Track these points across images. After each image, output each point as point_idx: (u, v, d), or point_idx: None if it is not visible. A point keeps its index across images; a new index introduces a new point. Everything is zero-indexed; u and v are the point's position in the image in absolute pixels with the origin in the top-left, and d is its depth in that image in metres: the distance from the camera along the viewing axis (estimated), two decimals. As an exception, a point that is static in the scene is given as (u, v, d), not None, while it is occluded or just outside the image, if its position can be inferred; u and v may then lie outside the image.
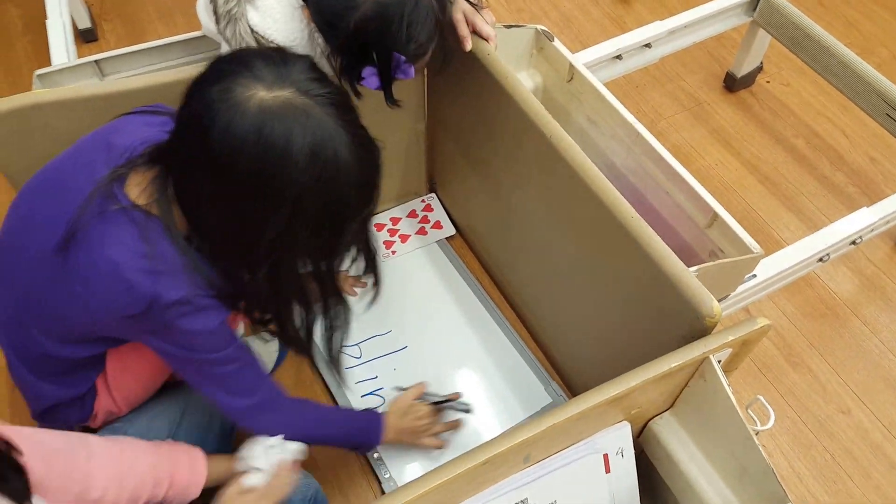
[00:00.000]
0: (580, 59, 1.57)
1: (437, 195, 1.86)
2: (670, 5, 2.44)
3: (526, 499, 1.00)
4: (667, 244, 1.06)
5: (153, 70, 1.47)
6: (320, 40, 1.18)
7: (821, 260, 1.50)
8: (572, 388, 1.54)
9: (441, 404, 1.42)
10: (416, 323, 1.63)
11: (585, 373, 1.46)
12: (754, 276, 1.39)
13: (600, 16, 2.41)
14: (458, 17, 1.25)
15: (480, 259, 1.77)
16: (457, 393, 1.47)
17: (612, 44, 1.74)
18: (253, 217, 0.86)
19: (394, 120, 1.48)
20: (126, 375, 1.14)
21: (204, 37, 1.41)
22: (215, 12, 1.17)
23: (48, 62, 1.60)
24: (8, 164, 1.25)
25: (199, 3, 1.27)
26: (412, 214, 1.82)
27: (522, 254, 1.53)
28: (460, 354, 1.58)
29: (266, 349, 1.53)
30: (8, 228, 1.04)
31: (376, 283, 1.10)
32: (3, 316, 1.06)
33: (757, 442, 0.99)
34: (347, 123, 0.85)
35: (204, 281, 0.92)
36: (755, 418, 1.05)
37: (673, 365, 0.98)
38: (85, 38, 2.24)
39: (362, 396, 1.51)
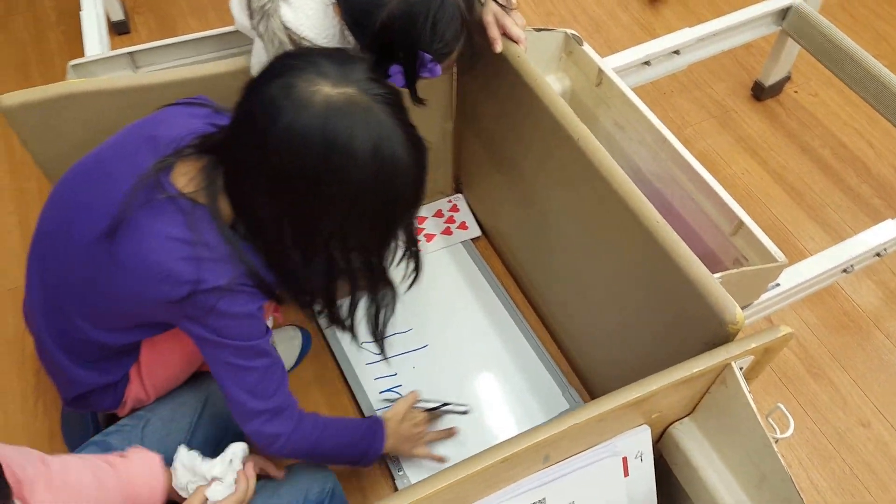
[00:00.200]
0: (609, 64, 1.57)
1: (463, 196, 1.86)
2: (699, 12, 2.43)
3: (544, 498, 1.01)
4: (691, 250, 1.06)
5: (186, 64, 1.47)
6: (350, 38, 1.19)
7: (845, 271, 1.49)
8: (592, 392, 1.54)
9: (435, 410, 1.43)
10: (438, 322, 1.64)
11: (606, 376, 1.47)
12: (777, 284, 1.39)
13: (629, 21, 2.41)
14: (489, 20, 1.25)
15: (504, 261, 1.77)
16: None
17: (641, 49, 1.74)
18: (310, 212, 0.87)
19: (422, 118, 1.47)
20: (158, 365, 1.16)
21: (237, 32, 1.42)
22: (249, 8, 1.19)
23: (80, 53, 1.61)
24: (41, 152, 1.26)
25: (233, -1, 1.29)
26: (438, 214, 1.83)
27: (547, 256, 1.53)
28: (480, 355, 1.59)
29: (286, 348, 1.55)
30: (50, 216, 1.05)
31: (416, 270, 1.11)
32: (43, 301, 1.07)
33: (776, 450, 0.99)
34: (402, 123, 0.87)
35: (246, 269, 0.94)
36: (775, 426, 1.05)
37: (695, 370, 0.98)
38: (117, 30, 2.27)
39: (381, 392, 1.52)
